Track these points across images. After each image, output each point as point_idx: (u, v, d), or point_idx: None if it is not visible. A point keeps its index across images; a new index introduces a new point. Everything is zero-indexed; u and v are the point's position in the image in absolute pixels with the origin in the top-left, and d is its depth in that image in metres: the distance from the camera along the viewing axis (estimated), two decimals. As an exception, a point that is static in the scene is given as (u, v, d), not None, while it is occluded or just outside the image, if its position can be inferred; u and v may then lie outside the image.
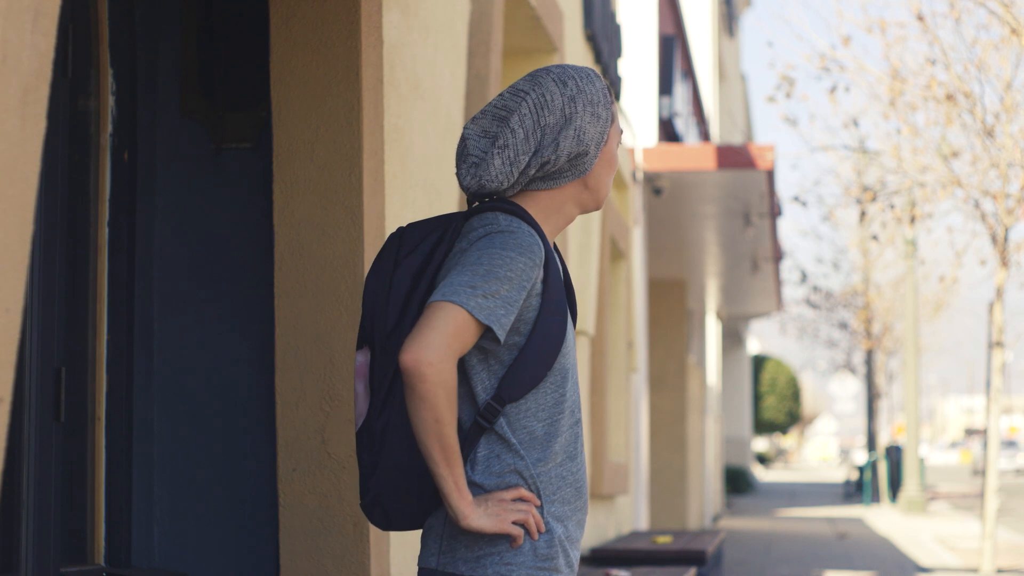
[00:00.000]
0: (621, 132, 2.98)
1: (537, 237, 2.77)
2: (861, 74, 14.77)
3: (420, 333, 2.64)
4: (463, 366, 2.76)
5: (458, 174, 2.86)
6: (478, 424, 2.75)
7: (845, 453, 41.31)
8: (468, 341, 2.68)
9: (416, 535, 5.54)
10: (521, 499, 2.74)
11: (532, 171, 2.83)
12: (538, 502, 2.75)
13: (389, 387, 2.76)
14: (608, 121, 2.89)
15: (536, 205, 2.87)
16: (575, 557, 2.85)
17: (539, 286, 2.77)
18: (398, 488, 2.77)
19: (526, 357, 2.76)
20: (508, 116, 2.83)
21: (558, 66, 2.89)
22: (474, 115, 2.88)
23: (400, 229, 2.87)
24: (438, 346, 2.63)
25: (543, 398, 2.79)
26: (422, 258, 2.80)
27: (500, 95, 2.87)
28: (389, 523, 2.83)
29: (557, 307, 2.79)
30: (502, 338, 2.71)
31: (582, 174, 2.88)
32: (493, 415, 2.75)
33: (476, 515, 2.70)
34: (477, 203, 2.87)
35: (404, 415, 2.73)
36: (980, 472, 57.49)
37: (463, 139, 2.85)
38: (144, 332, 4.81)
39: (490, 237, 2.74)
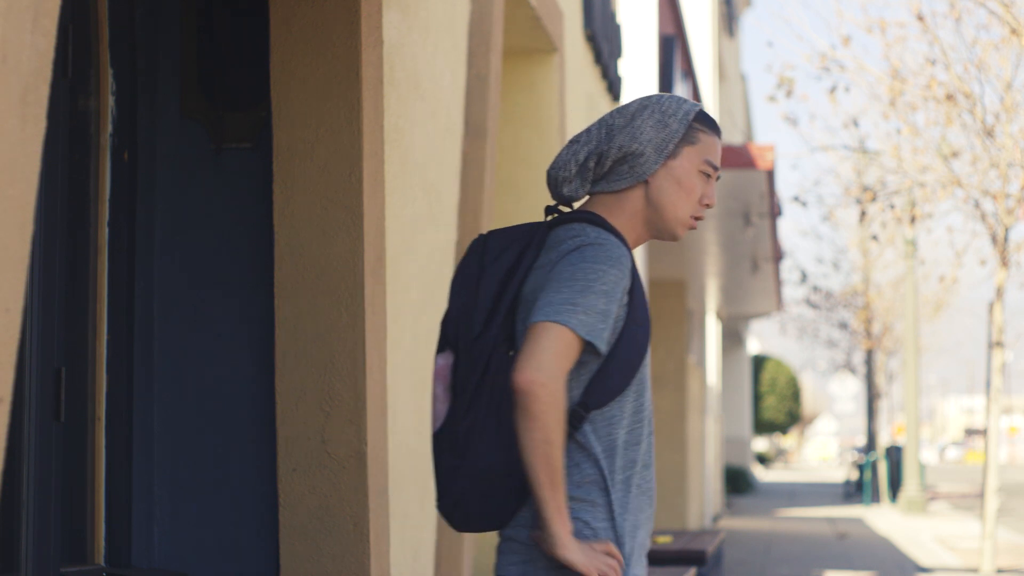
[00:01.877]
0: (713, 166, 2.97)
1: (624, 248, 2.84)
2: (861, 74, 14.77)
3: (531, 354, 2.70)
4: None
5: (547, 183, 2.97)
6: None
7: (852, 451, 41.33)
8: (573, 358, 2.75)
9: (416, 535, 5.54)
10: (610, 554, 2.77)
11: (591, 164, 2.90)
12: (622, 562, 2.78)
13: (475, 390, 2.80)
14: (679, 136, 2.93)
15: (603, 211, 2.93)
16: (645, 563, 2.90)
17: (625, 296, 2.83)
18: (481, 490, 2.79)
19: (612, 366, 2.81)
20: (578, 135, 2.95)
21: (651, 96, 3.00)
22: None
23: (483, 236, 2.93)
24: (549, 367, 2.70)
25: (626, 406, 2.85)
26: (508, 266, 2.86)
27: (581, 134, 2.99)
28: (469, 524, 2.85)
29: (641, 317, 2.85)
30: (604, 352, 2.79)
31: (639, 178, 2.92)
32: (579, 422, 2.79)
33: (573, 547, 2.73)
34: (556, 213, 2.94)
35: (490, 418, 2.78)
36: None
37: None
38: (144, 332, 4.81)
39: (581, 251, 2.80)
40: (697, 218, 3.00)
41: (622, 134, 2.89)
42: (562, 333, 2.73)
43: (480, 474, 2.78)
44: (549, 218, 2.95)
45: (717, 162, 2.97)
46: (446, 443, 2.81)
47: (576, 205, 3.18)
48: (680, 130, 2.93)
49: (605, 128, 2.92)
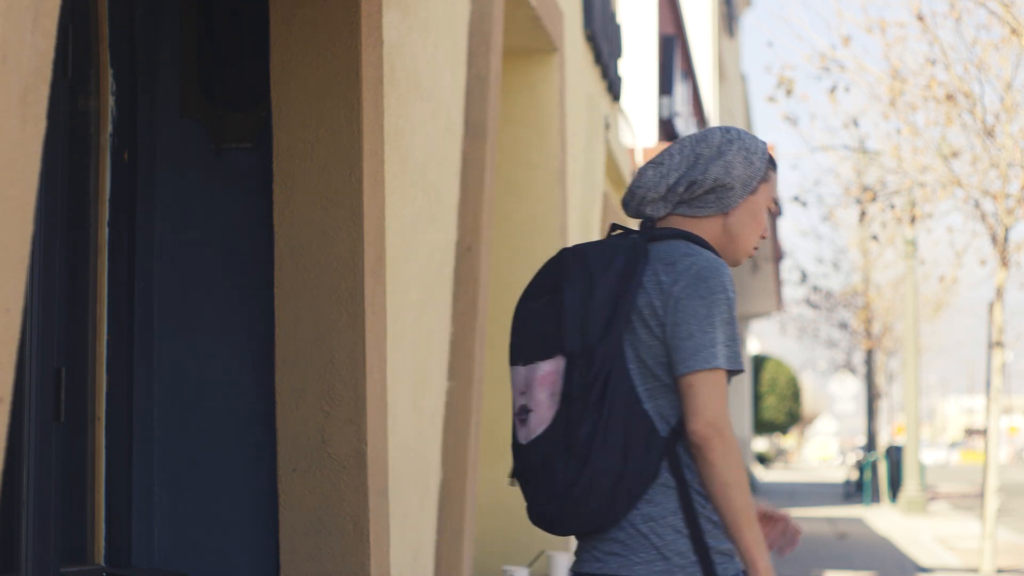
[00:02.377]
0: (775, 202, 3.19)
1: (727, 265, 3.02)
2: (861, 74, 14.77)
3: (700, 406, 2.89)
4: (652, 396, 2.95)
5: (621, 200, 3.14)
6: (669, 448, 2.93)
7: (856, 451, 41.35)
8: (727, 390, 2.95)
9: (416, 535, 5.54)
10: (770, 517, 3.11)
11: (680, 189, 3.07)
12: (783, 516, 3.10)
13: (600, 393, 2.89)
14: (761, 174, 3.13)
15: (687, 229, 3.09)
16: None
17: None
18: (600, 491, 2.89)
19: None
20: (660, 157, 3.11)
21: (730, 127, 3.20)
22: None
23: (577, 249, 3.03)
24: (716, 415, 2.89)
25: None
26: (617, 278, 2.95)
27: (659, 155, 3.15)
28: (577, 524, 2.95)
29: (736, 334, 3.02)
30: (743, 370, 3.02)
31: (724, 209, 3.10)
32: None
33: (770, 569, 2.93)
34: (621, 229, 3.09)
35: (612, 423, 2.88)
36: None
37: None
38: (144, 332, 4.81)
39: (705, 280, 2.95)
40: (755, 248, 3.20)
41: (715, 166, 3.06)
42: (719, 377, 2.91)
43: (602, 476, 2.88)
44: (617, 231, 3.10)
45: (777, 198, 3.13)
46: (558, 447, 2.90)
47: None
48: (762, 168, 3.13)
49: (692, 156, 3.08)
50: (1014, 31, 13.12)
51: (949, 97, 13.67)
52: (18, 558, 4.07)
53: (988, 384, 14.42)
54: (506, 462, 8.50)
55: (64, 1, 4.15)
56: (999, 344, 14.30)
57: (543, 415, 2.93)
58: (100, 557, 4.66)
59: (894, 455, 30.66)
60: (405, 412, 5.39)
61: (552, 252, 8.65)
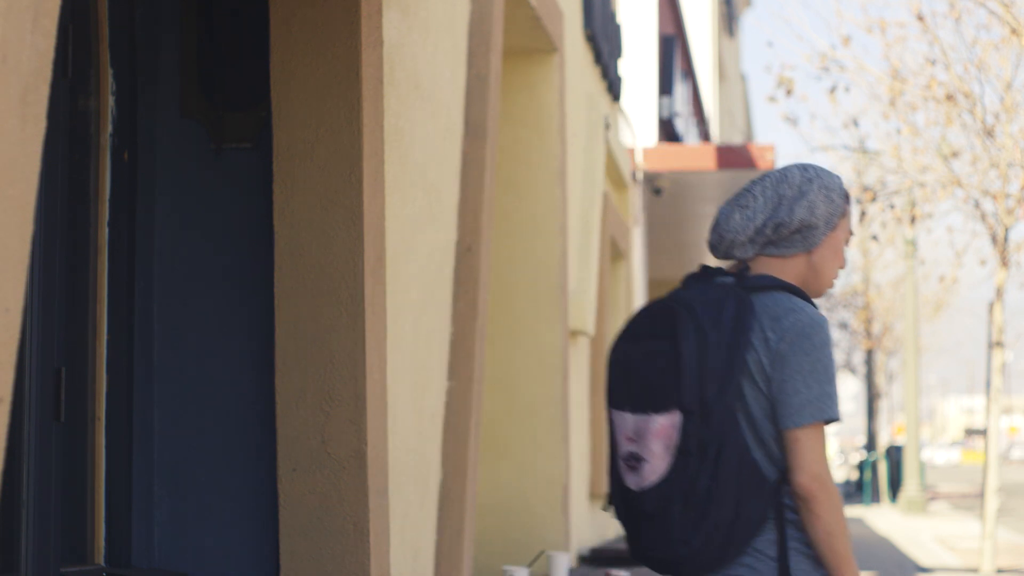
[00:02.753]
0: (851, 234, 3.33)
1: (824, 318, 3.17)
2: (861, 74, 14.77)
3: (808, 459, 3.08)
4: (760, 444, 3.13)
5: (708, 242, 3.27)
6: (775, 492, 3.12)
7: (860, 450, 41.38)
8: None
9: (416, 535, 5.54)
10: None
11: (768, 231, 3.20)
12: None
13: (718, 450, 3.04)
14: (841, 211, 3.26)
15: (772, 272, 3.23)
16: None
17: None
18: (720, 540, 3.07)
19: None
20: (743, 200, 3.24)
21: (808, 165, 3.32)
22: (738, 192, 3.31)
23: (681, 298, 3.13)
24: (820, 467, 3.08)
25: None
26: (729, 334, 3.08)
27: (744, 188, 3.28)
28: (695, 571, 3.11)
29: (836, 386, 3.20)
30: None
31: (809, 247, 3.24)
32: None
33: None
34: (743, 273, 3.21)
35: (727, 472, 3.05)
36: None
37: (717, 214, 3.27)
38: (144, 332, 4.81)
39: (808, 337, 3.10)
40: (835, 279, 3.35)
41: (799, 207, 3.20)
42: (821, 430, 3.10)
43: (719, 526, 3.05)
44: (710, 274, 3.25)
45: (852, 229, 3.33)
46: (676, 497, 3.05)
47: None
48: (841, 204, 3.26)
49: (775, 197, 3.21)
50: (1014, 31, 13.11)
51: (949, 97, 13.67)
52: (18, 558, 4.07)
53: (988, 384, 14.42)
54: (506, 462, 8.51)
55: (64, 1, 4.15)
56: (999, 344, 14.30)
57: (657, 466, 3.07)
58: (100, 557, 4.66)
59: (894, 455, 30.66)
60: (405, 412, 5.39)
61: (552, 252, 8.66)
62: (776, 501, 3.11)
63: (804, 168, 3.26)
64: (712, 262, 3.41)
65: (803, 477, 3.06)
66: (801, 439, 3.07)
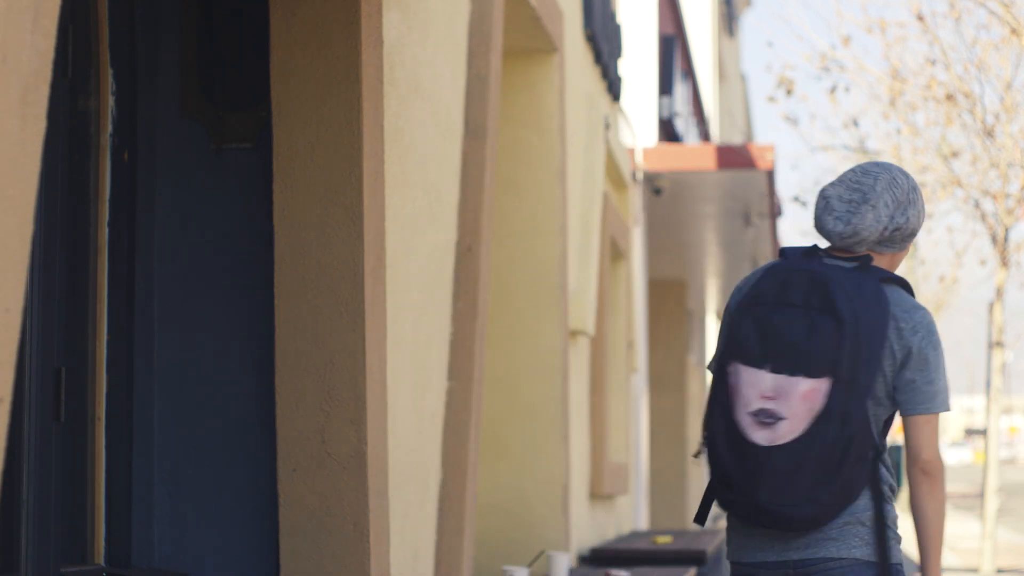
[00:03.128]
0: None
1: None
2: (861, 74, 14.78)
3: (932, 439, 3.46)
4: (876, 421, 3.46)
5: (824, 222, 3.52)
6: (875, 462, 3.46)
7: None
8: None
9: (416, 535, 5.55)
10: None
11: (888, 231, 3.50)
12: None
13: (853, 416, 3.35)
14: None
15: (879, 264, 3.55)
16: None
17: None
18: (844, 495, 3.39)
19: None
20: (864, 188, 3.51)
21: (896, 166, 3.62)
22: (832, 182, 3.56)
23: (817, 273, 3.41)
24: (938, 447, 3.47)
25: None
26: (876, 319, 3.39)
27: (852, 172, 3.57)
28: (815, 522, 3.39)
29: None
30: None
31: (900, 250, 3.59)
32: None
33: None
34: (866, 262, 3.49)
35: (856, 438, 3.36)
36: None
37: (826, 198, 3.53)
38: (144, 332, 4.81)
39: (934, 334, 3.47)
40: None
41: (912, 214, 3.54)
42: (940, 418, 3.50)
43: (850, 484, 3.38)
44: (841, 255, 3.54)
45: None
46: (811, 457, 3.32)
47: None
48: (924, 211, 3.63)
49: (895, 201, 3.51)
50: (1014, 31, 13.12)
51: (949, 97, 13.67)
52: (18, 558, 4.07)
53: (988, 384, 14.42)
54: (506, 462, 8.51)
55: (64, 1, 4.15)
56: (999, 344, 14.30)
57: (796, 425, 3.32)
58: (100, 557, 4.66)
59: (894, 455, 30.62)
60: (405, 412, 5.39)
61: (552, 252, 8.66)
62: (873, 472, 3.42)
63: (905, 174, 3.55)
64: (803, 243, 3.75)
65: (930, 454, 3.43)
66: (932, 422, 3.44)
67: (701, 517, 3.55)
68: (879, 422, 3.45)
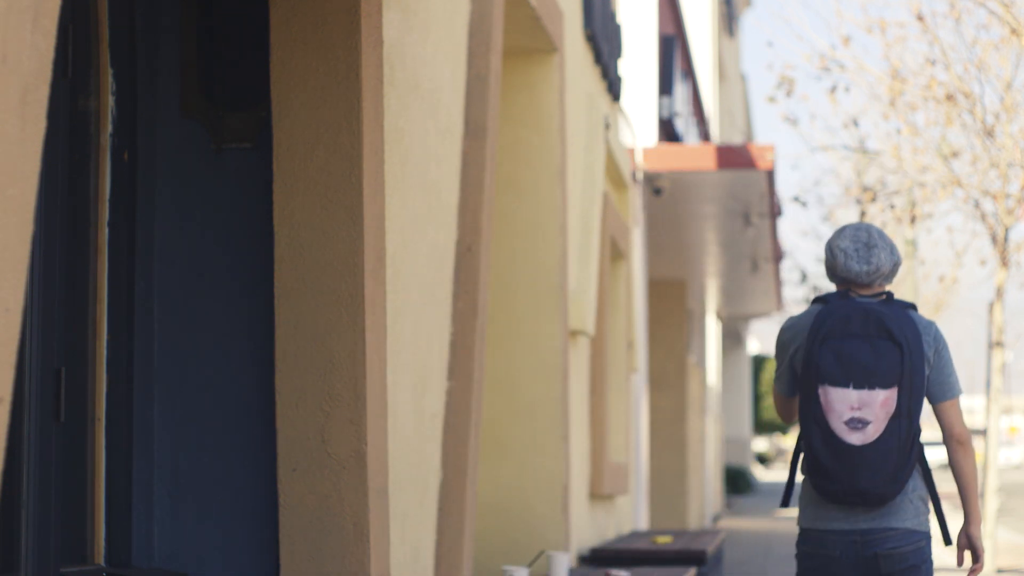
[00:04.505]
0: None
1: None
2: (861, 74, 14.78)
3: (961, 417, 4.61)
4: (919, 413, 4.51)
5: (850, 267, 4.58)
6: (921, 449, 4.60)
7: None
8: None
9: (416, 535, 5.55)
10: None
11: (892, 266, 4.62)
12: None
13: (916, 413, 4.47)
14: None
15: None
16: None
17: None
18: (910, 473, 4.49)
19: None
20: (867, 238, 4.61)
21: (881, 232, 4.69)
22: (837, 238, 4.63)
23: (872, 311, 4.51)
24: (965, 422, 4.63)
25: None
26: (917, 338, 4.49)
27: (849, 229, 4.66)
28: (892, 497, 4.48)
29: None
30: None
31: (892, 281, 4.68)
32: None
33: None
34: (889, 297, 4.60)
35: (915, 429, 4.47)
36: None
37: (843, 250, 4.59)
38: (144, 332, 4.81)
39: (944, 340, 4.61)
40: None
41: (897, 252, 4.65)
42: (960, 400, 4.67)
43: (918, 465, 4.55)
44: (879, 296, 4.63)
45: None
46: (893, 447, 4.43)
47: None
48: None
49: (888, 245, 4.61)
50: (1014, 31, 13.12)
51: (949, 97, 13.67)
52: (18, 558, 4.07)
53: (988, 384, 14.42)
54: (506, 462, 8.51)
55: (64, 1, 4.15)
56: (999, 344, 14.30)
57: (879, 426, 4.42)
58: (100, 557, 4.66)
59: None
60: (405, 412, 5.39)
61: (552, 252, 8.66)
62: (921, 454, 4.55)
63: (880, 231, 4.65)
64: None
65: (961, 429, 4.58)
66: (956, 405, 4.60)
67: (785, 502, 4.81)
68: (920, 413, 4.53)
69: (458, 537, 5.92)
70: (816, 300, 4.62)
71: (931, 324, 4.57)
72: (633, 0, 15.01)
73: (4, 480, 3.94)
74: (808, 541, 4.66)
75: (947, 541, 4.75)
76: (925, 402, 4.55)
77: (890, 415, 4.42)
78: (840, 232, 4.62)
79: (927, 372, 4.53)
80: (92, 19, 4.66)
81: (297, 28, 4.73)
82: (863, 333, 4.47)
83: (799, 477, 4.68)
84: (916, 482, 4.56)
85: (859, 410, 4.41)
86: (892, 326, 4.46)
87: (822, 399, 4.45)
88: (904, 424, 4.43)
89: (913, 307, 4.61)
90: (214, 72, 4.88)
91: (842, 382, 4.43)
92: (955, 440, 4.57)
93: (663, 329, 19.38)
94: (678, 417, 19.59)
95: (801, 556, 4.71)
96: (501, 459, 8.46)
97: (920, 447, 4.53)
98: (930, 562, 4.61)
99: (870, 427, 4.41)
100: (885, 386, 4.42)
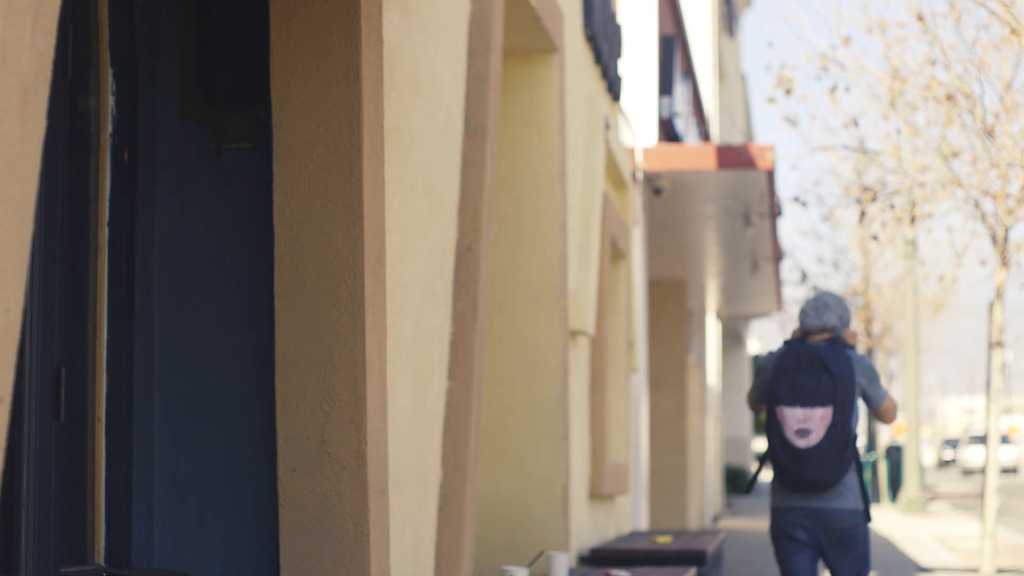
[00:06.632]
0: None
1: None
2: (861, 74, 14.77)
3: (891, 410, 6.65)
4: (854, 421, 6.43)
5: (806, 322, 6.58)
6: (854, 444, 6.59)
7: (870, 453, 41.30)
8: None
9: (416, 535, 5.55)
10: None
11: (835, 324, 6.54)
12: None
13: (849, 424, 6.35)
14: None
15: (845, 333, 6.63)
16: None
17: None
18: (842, 470, 6.36)
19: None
20: (823, 304, 6.62)
21: (838, 297, 6.71)
22: (805, 303, 6.62)
23: (814, 351, 6.46)
24: (892, 410, 6.70)
25: None
26: (849, 368, 6.38)
27: (814, 299, 6.64)
28: (831, 485, 6.40)
29: None
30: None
31: (849, 325, 6.63)
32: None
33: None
34: (831, 338, 6.59)
35: (848, 436, 6.38)
36: (969, 472, 57.36)
37: (805, 311, 6.57)
38: (144, 332, 4.81)
39: (871, 364, 6.41)
40: None
41: (845, 312, 6.59)
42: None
43: (847, 462, 6.35)
44: (819, 338, 6.64)
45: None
46: (830, 449, 6.33)
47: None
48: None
49: (839, 306, 6.58)
50: (1014, 31, 13.12)
51: (949, 97, 13.67)
52: (18, 558, 4.07)
53: (988, 384, 14.42)
54: (506, 462, 8.52)
55: (64, 1, 4.15)
56: (999, 344, 14.30)
57: (819, 433, 6.30)
58: (100, 557, 4.66)
59: (894, 455, 30.65)
60: (405, 412, 5.39)
61: (552, 252, 8.67)
62: (855, 455, 6.38)
63: (836, 296, 6.63)
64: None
65: (894, 416, 6.63)
66: (891, 403, 6.58)
67: (749, 488, 6.76)
68: (855, 426, 6.33)
69: (458, 537, 5.92)
70: (785, 343, 6.49)
71: (862, 358, 6.46)
72: (633, 0, 15.01)
73: (4, 480, 3.94)
74: (777, 515, 6.50)
75: (867, 518, 6.43)
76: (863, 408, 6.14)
77: (828, 426, 6.29)
78: (808, 299, 6.61)
79: (860, 392, 6.47)
80: (92, 19, 4.66)
81: (297, 28, 4.73)
82: (809, 368, 6.36)
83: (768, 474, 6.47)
84: (851, 475, 6.41)
85: (805, 423, 6.30)
86: (829, 363, 6.33)
87: (779, 416, 6.35)
88: (838, 432, 6.30)
89: (852, 347, 6.45)
90: (214, 72, 4.88)
91: (793, 403, 6.33)
92: (887, 419, 6.67)
93: (663, 329, 19.38)
94: (678, 417, 19.59)
95: (773, 529, 6.52)
96: (501, 459, 8.46)
97: (855, 448, 6.37)
98: (866, 528, 6.43)
99: (812, 435, 6.29)
100: (823, 405, 6.30)
